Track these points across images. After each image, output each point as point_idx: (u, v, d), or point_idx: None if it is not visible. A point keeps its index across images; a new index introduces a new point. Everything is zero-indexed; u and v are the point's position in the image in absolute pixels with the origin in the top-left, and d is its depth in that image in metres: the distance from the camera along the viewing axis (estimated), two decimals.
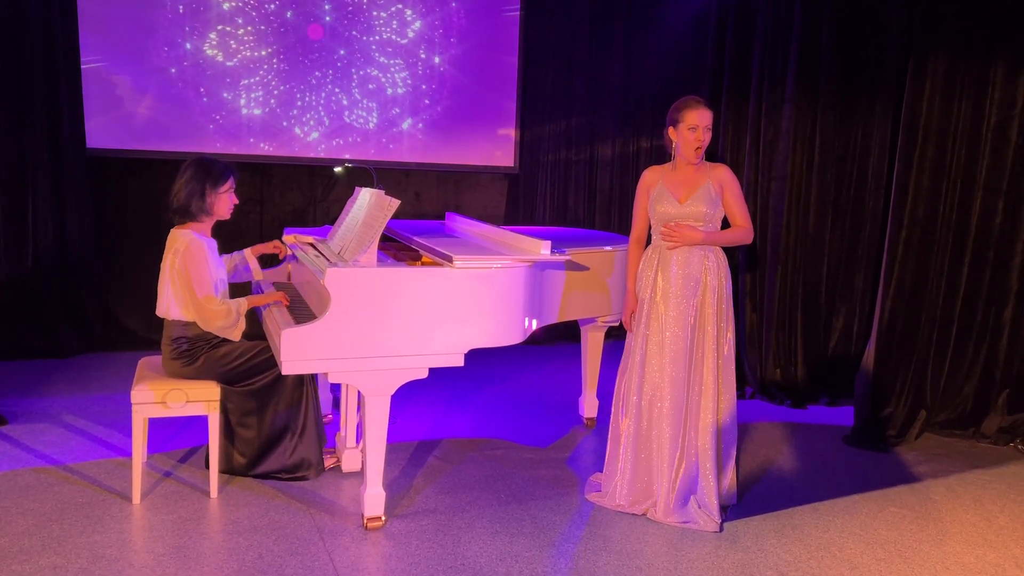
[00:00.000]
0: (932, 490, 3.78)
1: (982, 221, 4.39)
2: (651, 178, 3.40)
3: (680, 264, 3.29)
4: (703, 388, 3.30)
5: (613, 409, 3.51)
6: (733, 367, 3.39)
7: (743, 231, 3.35)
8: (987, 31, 4.23)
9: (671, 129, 3.32)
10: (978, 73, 4.28)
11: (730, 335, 3.37)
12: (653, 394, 3.31)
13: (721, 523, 3.26)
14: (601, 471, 3.63)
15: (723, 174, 3.34)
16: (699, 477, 3.29)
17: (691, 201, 3.28)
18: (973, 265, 4.44)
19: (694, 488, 3.30)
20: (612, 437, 3.49)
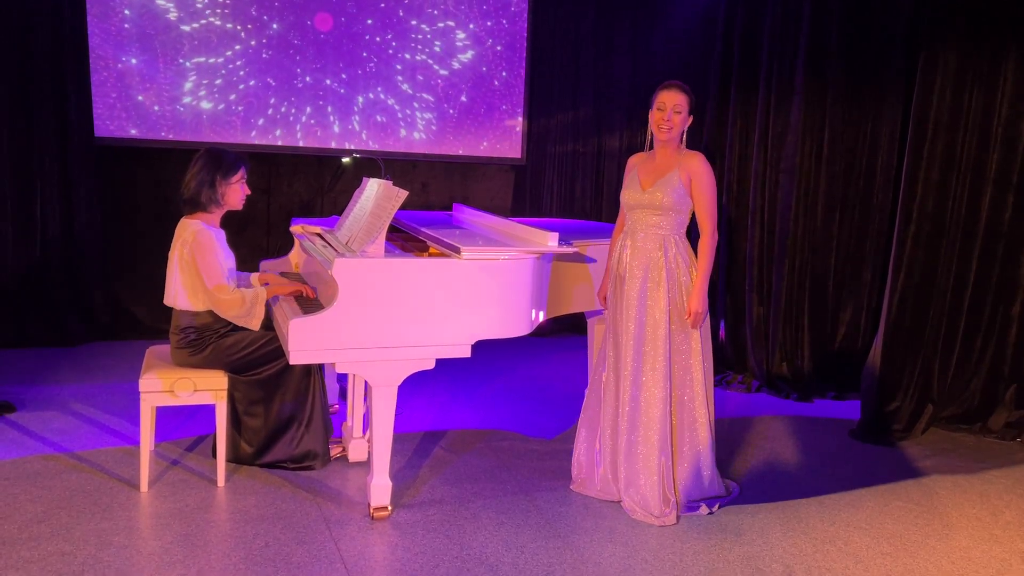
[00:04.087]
0: (938, 485, 3.78)
1: (991, 215, 4.37)
2: (631, 163, 3.44)
3: (637, 251, 3.28)
4: (652, 381, 3.25)
5: (587, 394, 3.54)
6: (698, 361, 3.30)
7: (709, 243, 3.22)
8: (998, 23, 4.20)
9: (649, 112, 3.32)
10: (989, 66, 4.25)
11: (697, 334, 3.30)
12: (620, 380, 3.34)
13: (661, 516, 3.21)
14: None
15: (694, 164, 3.22)
16: (641, 468, 3.26)
17: (652, 189, 3.24)
18: (981, 259, 4.42)
19: (635, 478, 3.28)
20: (585, 422, 3.51)
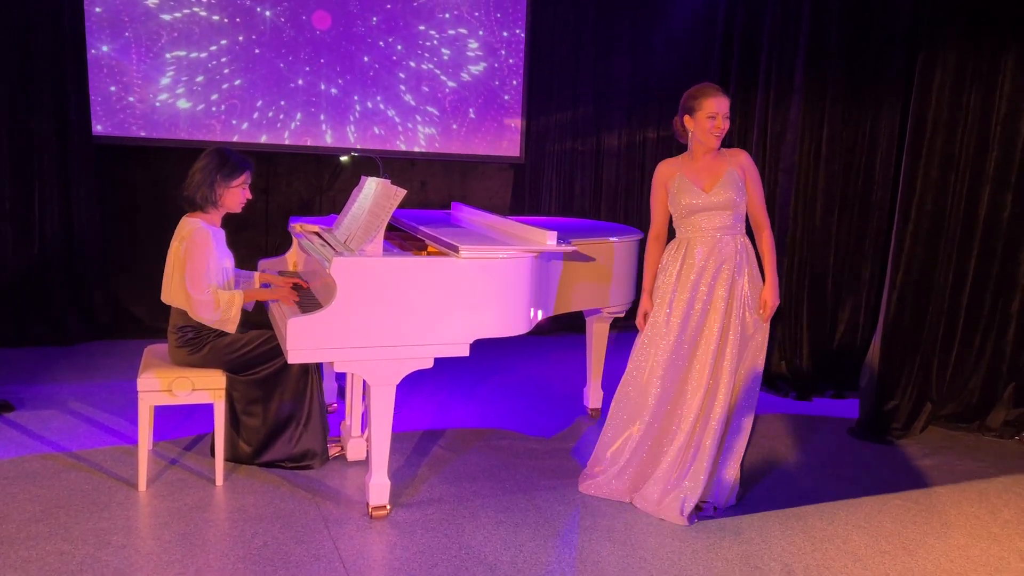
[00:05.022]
0: (937, 483, 3.78)
1: (990, 213, 4.37)
2: (668, 171, 3.31)
3: (712, 256, 3.19)
4: (720, 382, 3.21)
5: (621, 398, 3.41)
6: (762, 361, 3.28)
7: (771, 234, 3.31)
8: (998, 22, 4.20)
9: (687, 117, 3.22)
10: (988, 64, 4.25)
11: (763, 338, 3.27)
12: (673, 386, 3.25)
13: (691, 518, 3.21)
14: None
15: (745, 160, 3.26)
16: (691, 471, 3.23)
17: (717, 189, 3.19)
18: (980, 258, 4.42)
19: (680, 481, 3.24)
20: (619, 425, 3.41)
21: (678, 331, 3.25)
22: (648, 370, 3.32)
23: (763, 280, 3.29)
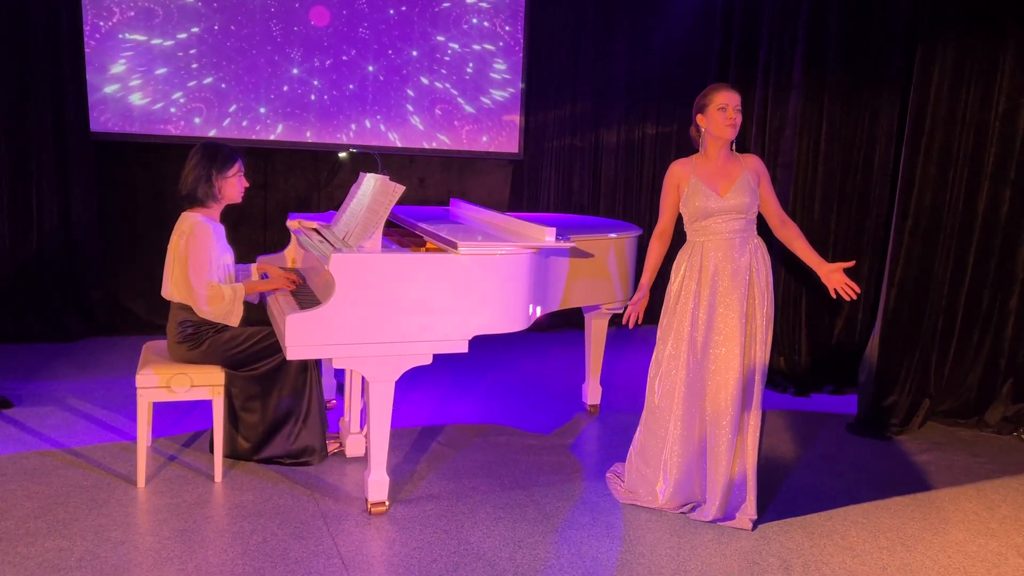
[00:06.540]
0: (935, 479, 3.78)
1: (988, 210, 4.37)
2: (681, 171, 3.25)
3: (727, 258, 3.14)
4: (750, 388, 3.15)
5: (651, 410, 3.30)
6: (766, 370, 3.23)
7: (794, 224, 3.35)
8: (996, 18, 4.19)
9: (699, 117, 3.20)
10: (987, 60, 4.25)
11: (769, 337, 3.22)
12: (706, 394, 3.15)
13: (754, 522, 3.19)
14: (612, 461, 3.62)
15: (758, 164, 3.25)
16: (747, 477, 3.16)
17: (732, 193, 3.15)
18: (979, 254, 4.42)
19: (742, 488, 3.18)
20: (652, 438, 3.30)
21: (704, 340, 3.16)
22: (681, 380, 3.20)
23: (772, 286, 3.24)
